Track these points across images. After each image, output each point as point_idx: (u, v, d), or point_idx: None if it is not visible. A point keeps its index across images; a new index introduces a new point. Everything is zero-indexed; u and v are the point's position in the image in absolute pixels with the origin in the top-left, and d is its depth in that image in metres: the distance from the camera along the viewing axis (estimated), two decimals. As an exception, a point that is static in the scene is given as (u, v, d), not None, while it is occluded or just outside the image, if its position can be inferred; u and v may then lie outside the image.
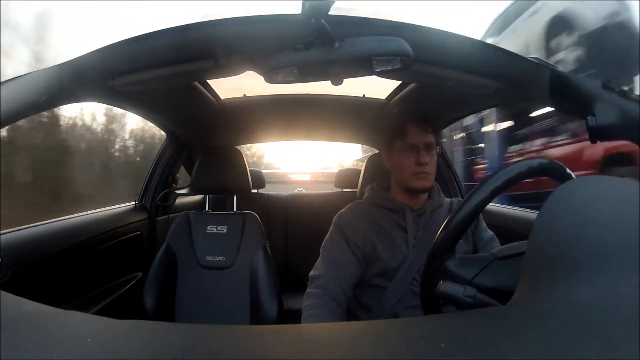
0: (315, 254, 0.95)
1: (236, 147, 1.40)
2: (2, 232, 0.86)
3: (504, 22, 4.59)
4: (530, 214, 1.26)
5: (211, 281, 1.19)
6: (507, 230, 1.18)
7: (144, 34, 0.65)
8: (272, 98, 1.32)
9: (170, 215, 1.54)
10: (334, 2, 0.52)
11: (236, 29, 0.65)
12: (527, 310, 0.31)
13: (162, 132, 1.51)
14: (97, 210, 1.29)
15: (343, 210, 0.99)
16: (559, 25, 3.57)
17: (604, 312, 0.27)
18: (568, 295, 0.29)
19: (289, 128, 1.76)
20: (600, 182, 0.39)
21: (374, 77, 0.68)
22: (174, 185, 1.60)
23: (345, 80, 0.66)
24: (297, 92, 1.28)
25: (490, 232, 0.96)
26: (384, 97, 1.33)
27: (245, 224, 1.24)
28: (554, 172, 0.52)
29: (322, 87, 1.22)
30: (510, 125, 4.75)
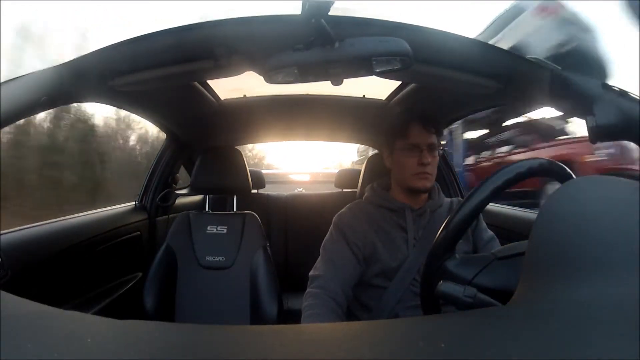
0: (315, 254, 0.94)
1: (236, 147, 1.40)
2: (2, 232, 0.86)
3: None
4: (530, 214, 1.26)
5: (211, 281, 1.19)
6: (507, 230, 1.18)
7: (144, 34, 0.65)
8: (272, 98, 1.32)
9: (170, 216, 1.54)
10: (334, 2, 0.53)
11: (236, 29, 0.65)
12: (527, 310, 0.31)
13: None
14: (97, 210, 1.29)
15: (343, 210, 0.99)
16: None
17: (604, 312, 0.27)
18: (568, 295, 0.29)
19: (289, 128, 1.76)
20: (600, 182, 0.39)
21: (374, 77, 0.68)
22: (174, 185, 1.60)
23: (345, 80, 0.66)
24: (297, 92, 1.28)
25: (490, 232, 0.96)
26: (384, 98, 1.33)
27: (245, 224, 1.24)
28: (554, 172, 0.52)
29: (322, 88, 1.22)
30: (470, 136, 5.53)
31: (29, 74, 0.63)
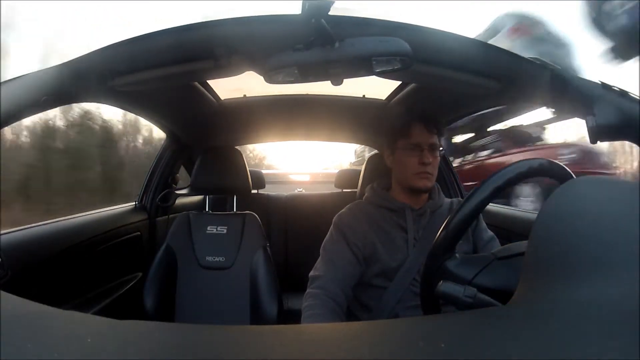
0: (315, 254, 0.94)
1: (236, 147, 1.40)
2: (2, 232, 0.86)
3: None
4: (530, 214, 1.26)
5: (211, 281, 1.19)
6: (507, 230, 1.18)
7: (144, 34, 0.65)
8: (272, 98, 1.32)
9: (170, 216, 1.54)
10: (334, 2, 0.53)
11: (236, 29, 0.65)
12: (527, 310, 0.31)
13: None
14: (97, 210, 1.29)
15: (343, 210, 0.99)
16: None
17: (604, 312, 0.27)
18: (568, 295, 0.29)
19: (289, 128, 1.76)
20: (600, 182, 0.39)
21: (374, 77, 0.68)
22: (174, 185, 1.60)
23: (345, 80, 0.66)
24: (297, 92, 1.28)
25: (490, 232, 0.96)
26: (384, 97, 1.33)
27: (245, 224, 1.24)
28: (554, 172, 0.52)
29: (322, 87, 1.22)
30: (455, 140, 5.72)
31: (29, 74, 0.63)
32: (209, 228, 1.24)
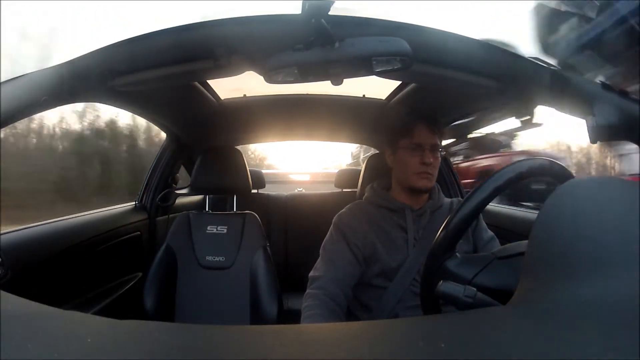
0: (315, 254, 0.94)
1: (236, 147, 1.40)
2: (2, 232, 0.86)
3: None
4: (530, 214, 1.26)
5: (211, 281, 1.18)
6: (507, 230, 1.18)
7: (144, 34, 0.65)
8: (272, 98, 1.32)
9: (170, 216, 1.54)
10: (334, 2, 0.53)
11: (236, 29, 0.65)
12: (527, 310, 0.31)
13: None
14: (97, 210, 1.29)
15: (343, 210, 0.99)
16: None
17: (604, 312, 0.27)
18: (568, 295, 0.29)
19: (289, 128, 1.76)
20: (600, 182, 0.39)
21: (374, 77, 0.68)
22: (174, 185, 1.60)
23: (345, 80, 0.66)
24: (297, 92, 1.28)
25: (490, 232, 0.96)
26: (384, 97, 1.33)
27: (245, 224, 1.24)
28: (554, 172, 0.52)
29: (322, 87, 1.22)
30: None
31: (29, 73, 0.63)
32: (209, 228, 1.24)
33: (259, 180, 1.93)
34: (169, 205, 1.56)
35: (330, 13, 0.54)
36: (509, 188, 0.51)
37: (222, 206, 1.65)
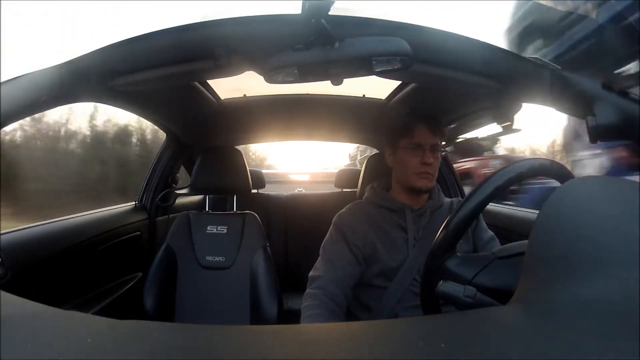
0: (315, 254, 0.94)
1: (236, 147, 1.40)
2: (2, 232, 0.86)
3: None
4: (530, 214, 1.26)
5: (211, 281, 1.18)
6: (507, 230, 1.18)
7: (144, 34, 0.65)
8: (272, 98, 1.32)
9: (170, 216, 1.54)
10: (334, 2, 0.52)
11: (236, 29, 0.65)
12: (527, 310, 0.31)
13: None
14: (97, 210, 1.29)
15: (343, 210, 0.99)
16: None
17: (604, 312, 0.27)
18: (568, 295, 0.29)
19: (288, 128, 1.76)
20: (600, 182, 0.39)
21: (374, 77, 0.68)
22: (174, 185, 1.60)
23: (345, 80, 0.66)
24: (297, 92, 1.28)
25: (490, 232, 0.96)
26: (384, 97, 1.33)
27: (245, 224, 1.24)
28: (554, 172, 0.52)
29: (322, 87, 1.22)
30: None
31: (29, 73, 0.63)
32: (209, 228, 1.24)
33: (259, 180, 1.93)
34: (169, 205, 1.56)
35: (330, 13, 0.54)
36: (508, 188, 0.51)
37: (222, 206, 1.65)
